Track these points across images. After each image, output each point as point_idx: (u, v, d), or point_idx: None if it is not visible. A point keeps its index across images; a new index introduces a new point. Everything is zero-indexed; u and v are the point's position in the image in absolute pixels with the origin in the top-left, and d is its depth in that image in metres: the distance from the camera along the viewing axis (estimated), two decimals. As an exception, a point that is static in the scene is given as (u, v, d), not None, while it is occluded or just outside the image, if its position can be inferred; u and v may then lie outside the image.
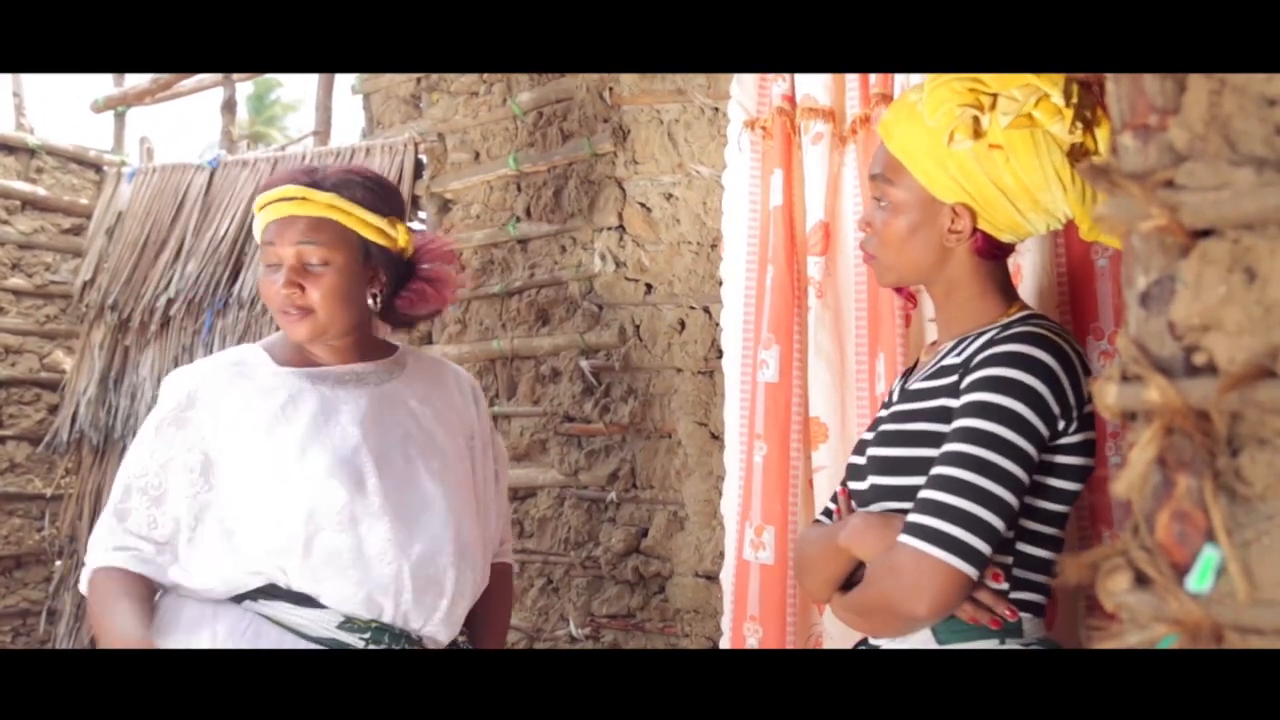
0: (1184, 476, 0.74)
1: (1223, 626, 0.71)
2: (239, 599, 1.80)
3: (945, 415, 1.53)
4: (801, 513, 2.30)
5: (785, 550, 2.27)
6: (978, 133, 1.56)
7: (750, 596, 2.29)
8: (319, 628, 1.77)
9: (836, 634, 2.22)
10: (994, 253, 1.63)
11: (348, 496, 1.77)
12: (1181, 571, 0.74)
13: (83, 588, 1.82)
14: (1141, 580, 0.76)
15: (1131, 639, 0.75)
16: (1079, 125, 1.56)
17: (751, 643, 2.28)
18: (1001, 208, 1.58)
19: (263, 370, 1.87)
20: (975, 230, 1.60)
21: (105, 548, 1.80)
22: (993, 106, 1.55)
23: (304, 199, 1.84)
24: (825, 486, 2.26)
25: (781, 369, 2.30)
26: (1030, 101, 1.54)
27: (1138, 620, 0.75)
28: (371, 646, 1.78)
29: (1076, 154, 1.57)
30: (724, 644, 2.41)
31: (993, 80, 1.56)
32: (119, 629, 1.71)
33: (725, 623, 2.39)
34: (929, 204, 1.60)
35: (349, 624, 1.78)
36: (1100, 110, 1.59)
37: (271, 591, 1.79)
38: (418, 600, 1.80)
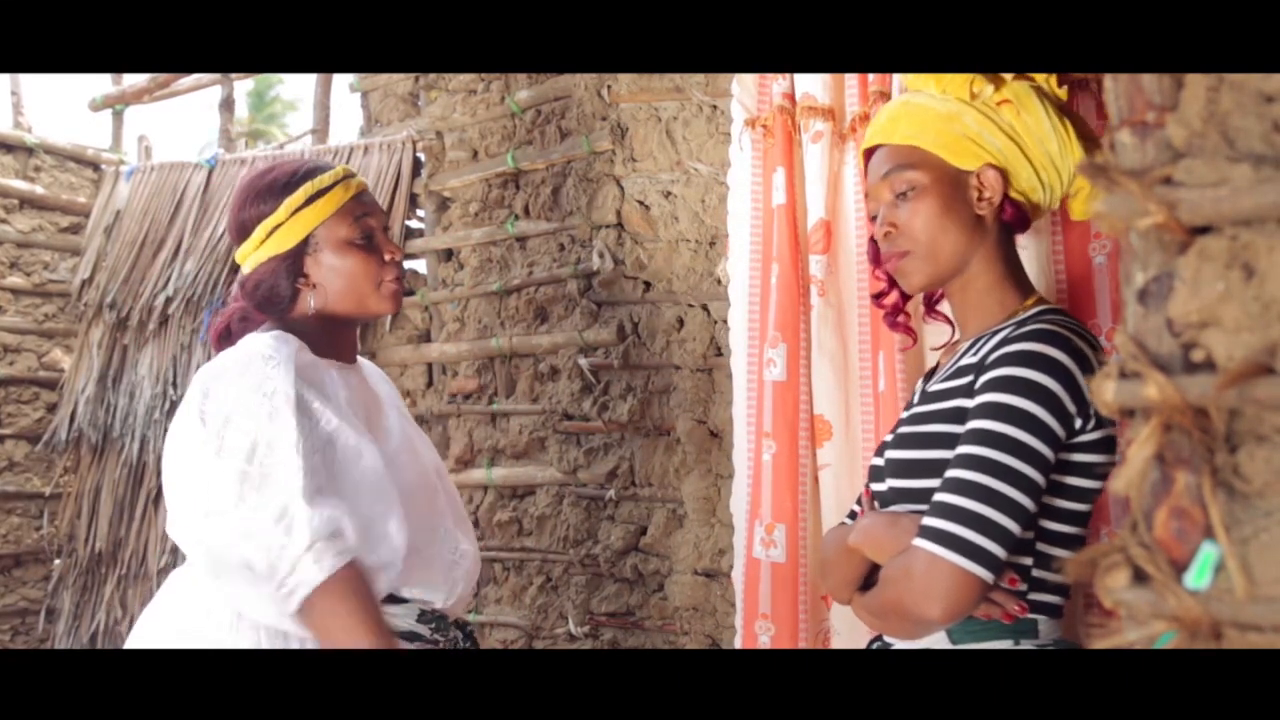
0: (1182, 473, 0.74)
1: (1221, 623, 0.71)
2: None
3: (960, 416, 1.51)
4: (810, 510, 2.30)
5: (796, 548, 2.28)
6: (994, 80, 1.60)
7: (762, 595, 2.30)
8: (403, 622, 1.77)
9: (844, 630, 2.23)
10: (1017, 219, 1.64)
11: (428, 490, 1.81)
12: (1180, 568, 0.74)
13: (307, 589, 1.59)
14: (1140, 577, 0.76)
15: (1130, 636, 0.75)
16: (1064, 84, 1.65)
17: (764, 640, 2.29)
18: (1021, 165, 1.61)
19: (320, 363, 1.81)
20: (1007, 197, 1.61)
21: (328, 535, 1.61)
22: None
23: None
24: (830, 484, 2.27)
25: (789, 367, 2.30)
26: None
27: (1136, 617, 0.75)
28: (437, 636, 1.80)
29: (1064, 110, 1.67)
30: (736, 643, 2.42)
31: None
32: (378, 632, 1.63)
33: (737, 621, 2.40)
34: (955, 177, 1.61)
35: (423, 616, 1.79)
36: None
37: None
38: (467, 586, 1.86)
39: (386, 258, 1.86)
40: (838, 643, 2.26)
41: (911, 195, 1.61)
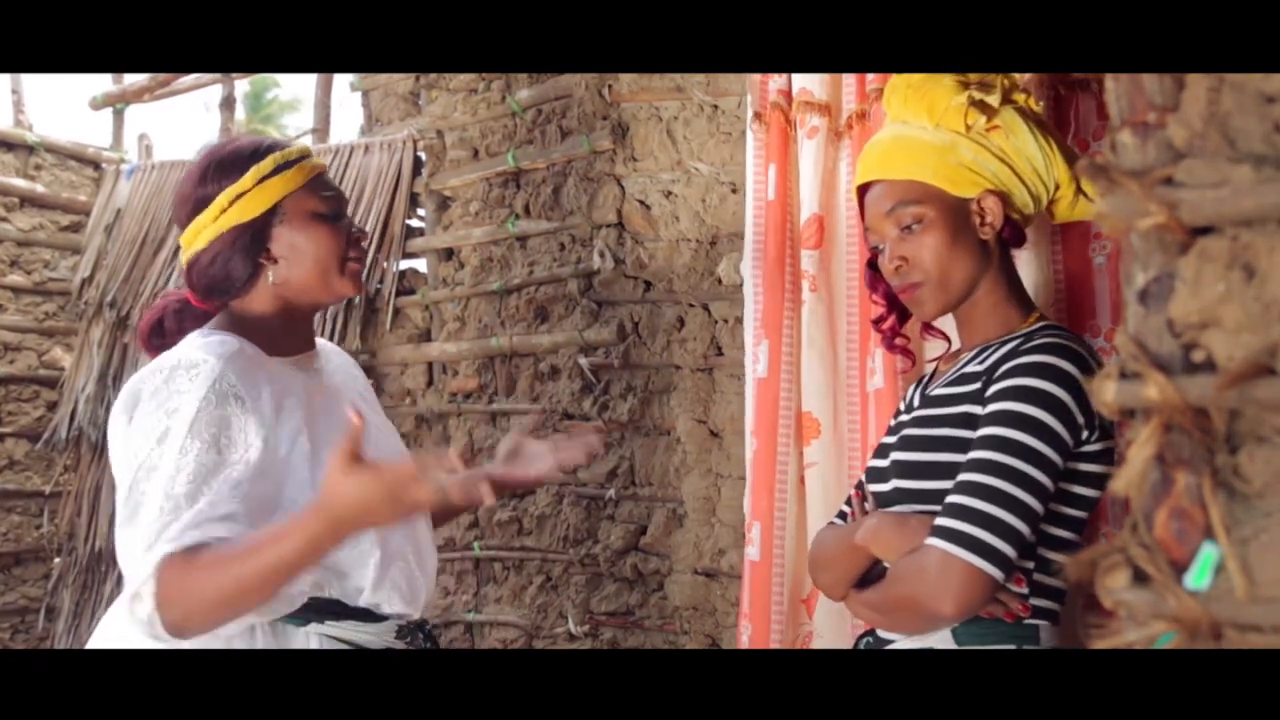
0: (1182, 474, 0.74)
1: (1221, 624, 0.71)
2: (300, 622, 1.63)
3: (969, 421, 1.55)
4: (791, 510, 2.28)
5: (770, 547, 2.26)
6: (988, 112, 1.65)
7: (745, 594, 2.30)
8: (380, 640, 1.68)
9: (827, 633, 2.21)
10: (1017, 238, 1.69)
11: None
12: (1180, 569, 0.74)
13: (149, 587, 1.45)
14: (1140, 577, 0.76)
15: (1130, 636, 0.75)
16: (1040, 101, 1.73)
17: (743, 640, 2.28)
18: (1015, 186, 1.66)
19: (266, 363, 1.67)
20: (1006, 218, 1.65)
21: (181, 527, 1.47)
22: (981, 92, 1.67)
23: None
24: (817, 483, 2.25)
25: (770, 364, 2.29)
26: (1004, 79, 1.67)
27: (1136, 618, 0.75)
28: (409, 647, 1.70)
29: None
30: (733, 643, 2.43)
31: (944, 77, 1.67)
32: (295, 544, 1.44)
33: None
34: (958, 207, 1.65)
35: (401, 631, 1.70)
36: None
37: (337, 610, 1.64)
38: (429, 589, 1.78)
39: (353, 235, 1.76)
40: (819, 646, 2.25)
41: (918, 229, 1.64)
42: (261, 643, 1.61)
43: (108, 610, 1.73)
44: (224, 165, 1.71)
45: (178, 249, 4.36)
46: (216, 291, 1.71)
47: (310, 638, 1.63)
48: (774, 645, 2.24)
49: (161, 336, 1.75)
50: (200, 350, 1.61)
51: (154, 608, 1.45)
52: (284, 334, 1.73)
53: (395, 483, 1.42)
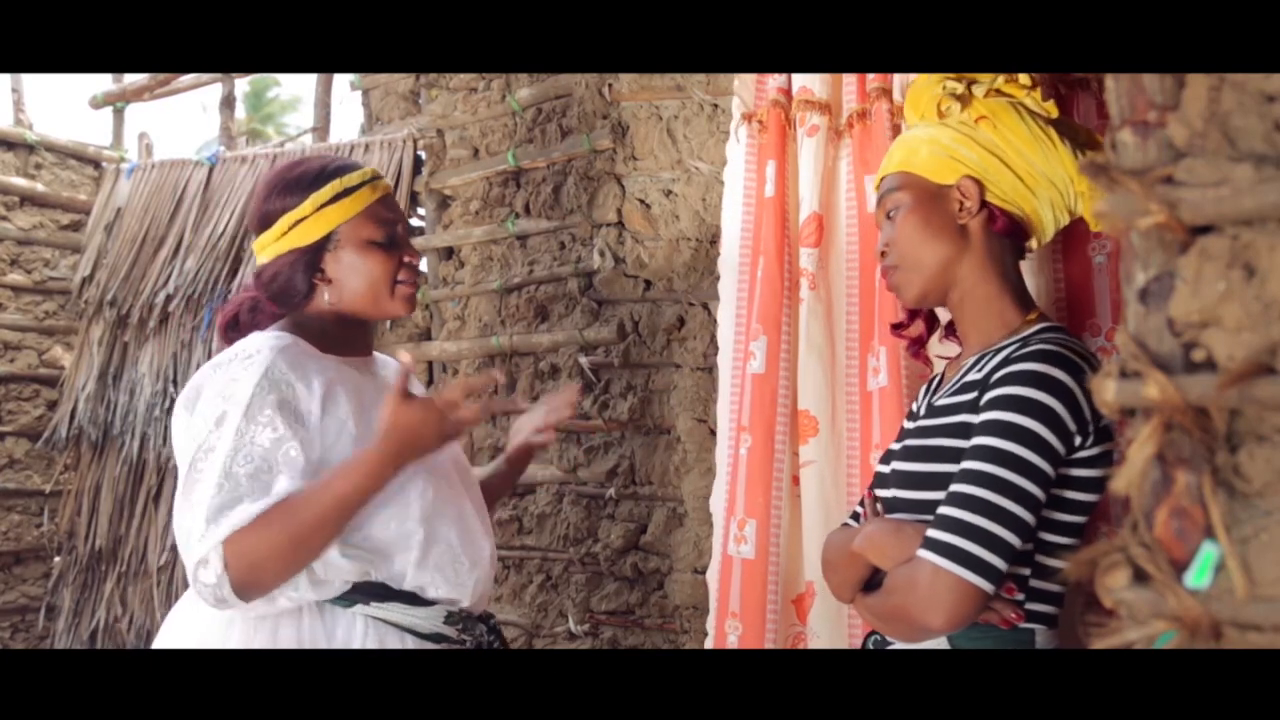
0: (1183, 473, 0.74)
1: (1221, 623, 0.72)
2: (346, 603, 1.71)
3: (964, 431, 1.55)
4: (786, 507, 2.27)
5: (766, 545, 2.25)
6: (962, 100, 1.68)
7: (732, 593, 2.27)
8: (429, 624, 1.75)
9: (825, 634, 2.20)
10: (1010, 230, 1.68)
11: (442, 485, 1.79)
12: (1180, 568, 0.74)
13: (216, 552, 1.57)
14: (1140, 576, 0.76)
15: (1130, 635, 0.75)
16: (1050, 99, 1.72)
17: (731, 640, 2.25)
18: (1002, 174, 1.67)
19: (319, 357, 1.78)
20: (984, 203, 1.66)
21: (249, 501, 1.60)
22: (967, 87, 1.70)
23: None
24: (814, 481, 2.24)
25: (768, 360, 2.28)
26: (999, 79, 1.69)
27: (1136, 616, 0.75)
28: (464, 637, 1.78)
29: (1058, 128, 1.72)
30: (708, 644, 2.39)
31: (933, 75, 1.71)
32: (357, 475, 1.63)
33: (710, 623, 2.37)
34: (935, 192, 1.67)
35: (450, 617, 1.77)
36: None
37: (382, 593, 1.72)
38: (489, 583, 1.85)
39: (405, 260, 1.86)
40: (815, 646, 2.23)
41: (896, 215, 1.69)
42: (308, 624, 1.69)
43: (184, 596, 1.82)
44: (289, 186, 1.83)
45: (177, 248, 4.42)
46: (281, 301, 1.85)
47: (356, 619, 1.71)
48: (768, 646, 2.23)
49: (236, 329, 1.89)
50: (254, 343, 1.75)
51: (222, 569, 1.58)
52: (341, 336, 1.85)
53: (445, 405, 1.68)
